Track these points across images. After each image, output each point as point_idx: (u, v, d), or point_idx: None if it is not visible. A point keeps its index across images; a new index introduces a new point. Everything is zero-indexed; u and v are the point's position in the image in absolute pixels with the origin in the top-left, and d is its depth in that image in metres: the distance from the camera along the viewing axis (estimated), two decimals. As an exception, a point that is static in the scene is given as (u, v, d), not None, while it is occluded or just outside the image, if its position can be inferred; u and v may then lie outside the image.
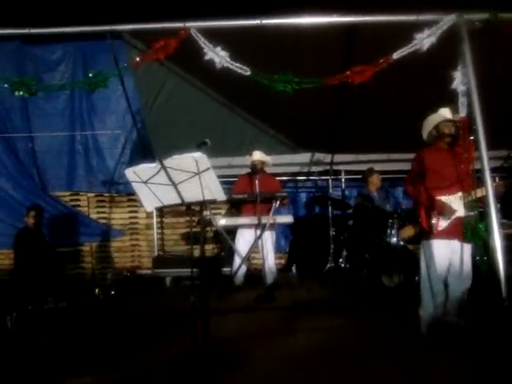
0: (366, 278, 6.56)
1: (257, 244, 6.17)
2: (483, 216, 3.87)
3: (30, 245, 6.35)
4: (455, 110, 4.05)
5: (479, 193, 3.85)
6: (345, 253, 7.33)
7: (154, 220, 8.51)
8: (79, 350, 4.02)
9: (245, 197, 6.34)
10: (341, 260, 7.35)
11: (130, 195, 8.38)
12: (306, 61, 5.30)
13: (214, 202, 3.57)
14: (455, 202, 3.86)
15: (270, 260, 6.37)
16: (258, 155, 6.53)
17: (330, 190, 8.84)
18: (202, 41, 4.27)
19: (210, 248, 7.97)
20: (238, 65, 4.27)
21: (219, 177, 3.43)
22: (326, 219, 7.99)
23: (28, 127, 8.23)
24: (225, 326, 4.47)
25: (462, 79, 4.13)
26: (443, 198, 3.87)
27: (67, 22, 4.59)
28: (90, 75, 4.43)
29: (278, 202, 6.11)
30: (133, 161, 7.56)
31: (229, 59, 4.26)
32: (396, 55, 4.20)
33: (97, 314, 5.22)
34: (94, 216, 8.68)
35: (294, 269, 8.21)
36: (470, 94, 4.08)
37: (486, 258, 3.73)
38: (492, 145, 4.08)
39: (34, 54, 7.97)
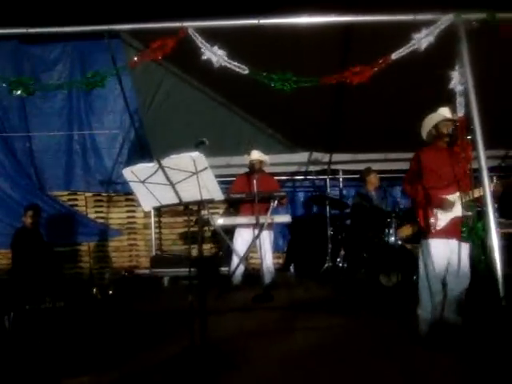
0: (364, 277, 6.55)
1: (255, 243, 6.17)
2: (481, 215, 3.87)
3: (28, 244, 6.34)
4: (453, 110, 4.06)
5: (477, 192, 3.86)
6: (343, 252, 7.33)
7: (152, 219, 8.50)
8: (77, 349, 4.01)
9: (243, 196, 6.33)
10: (339, 259, 7.35)
11: (127, 195, 8.36)
12: (304, 60, 5.29)
13: (211, 201, 3.57)
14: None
15: (268, 259, 6.37)
16: (256, 154, 6.53)
17: (328, 190, 8.84)
18: (200, 40, 4.27)
19: (207, 247, 7.99)
20: (235, 63, 4.27)
21: (217, 176, 3.43)
22: (323, 219, 8.00)
23: (26, 127, 8.20)
24: (223, 326, 4.47)
25: (459, 79, 4.13)
26: (441, 198, 3.88)
27: (65, 21, 4.59)
28: (89, 76, 4.43)
29: (276, 202, 6.11)
30: (130, 160, 7.55)
31: (226, 58, 4.26)
32: (395, 55, 4.20)
33: (95, 313, 5.21)
34: (91, 216, 8.66)
35: (291, 268, 8.22)
36: (468, 93, 4.09)
37: (483, 257, 3.74)
38: (490, 144, 4.09)
39: (32, 53, 7.94)
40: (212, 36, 4.31)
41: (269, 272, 6.31)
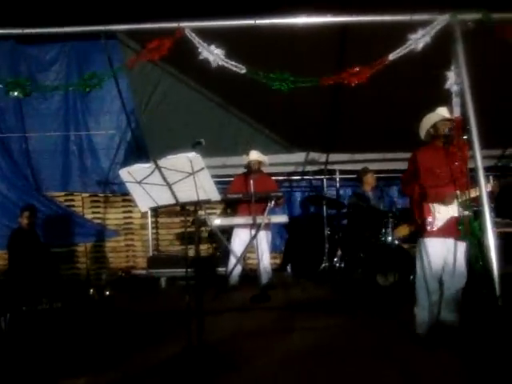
0: (361, 277, 6.55)
1: (252, 244, 6.17)
2: (477, 215, 3.88)
3: (24, 245, 6.33)
4: (450, 110, 4.07)
5: (473, 192, 3.87)
6: (340, 252, 7.32)
7: (149, 220, 8.48)
8: (74, 350, 4.01)
9: (240, 197, 6.34)
10: (336, 259, 7.34)
11: (124, 195, 8.34)
12: (300, 60, 5.30)
13: (208, 202, 3.57)
14: (450, 201, 3.87)
15: (265, 260, 6.37)
16: (254, 155, 6.53)
17: (325, 190, 8.84)
18: (197, 40, 4.26)
19: (204, 248, 7.96)
20: (232, 63, 4.26)
21: (214, 177, 3.44)
22: (320, 219, 7.99)
23: (22, 127, 8.19)
24: (220, 326, 4.47)
25: (455, 79, 4.14)
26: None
27: (61, 21, 4.57)
28: (86, 77, 4.41)
29: (273, 202, 6.12)
30: (127, 161, 7.54)
31: (223, 57, 4.26)
32: (392, 56, 4.20)
33: (91, 314, 5.20)
34: (88, 216, 8.65)
35: (289, 268, 8.21)
36: (464, 93, 4.09)
37: (480, 256, 3.74)
38: (486, 144, 4.09)
39: (29, 53, 7.93)
40: (208, 36, 4.31)
41: (266, 272, 6.32)
